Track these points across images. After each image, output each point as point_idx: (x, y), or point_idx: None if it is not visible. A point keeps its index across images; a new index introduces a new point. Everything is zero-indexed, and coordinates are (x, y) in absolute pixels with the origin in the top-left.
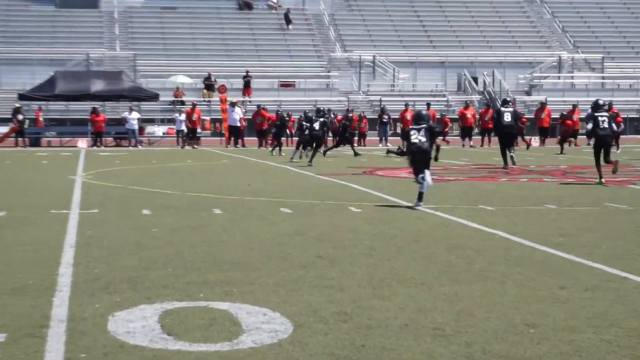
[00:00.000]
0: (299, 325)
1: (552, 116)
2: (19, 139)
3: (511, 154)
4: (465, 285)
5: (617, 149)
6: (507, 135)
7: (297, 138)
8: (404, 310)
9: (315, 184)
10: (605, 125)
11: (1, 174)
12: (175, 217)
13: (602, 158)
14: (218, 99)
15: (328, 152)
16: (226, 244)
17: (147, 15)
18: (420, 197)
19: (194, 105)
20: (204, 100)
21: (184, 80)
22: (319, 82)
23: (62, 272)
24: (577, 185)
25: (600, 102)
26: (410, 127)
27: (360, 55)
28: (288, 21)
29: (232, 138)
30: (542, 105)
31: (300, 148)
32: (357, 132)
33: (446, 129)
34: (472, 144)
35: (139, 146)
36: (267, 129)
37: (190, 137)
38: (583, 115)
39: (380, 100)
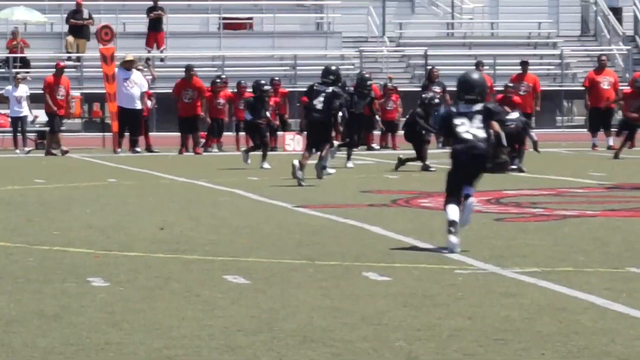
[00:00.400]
0: None
1: None
2: None
3: None
4: None
5: None
6: None
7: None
8: None
9: (296, 224)
10: None
11: None
12: (11, 298)
13: None
14: (98, 54)
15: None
16: None
17: None
18: (450, 228)
19: (59, 69)
20: (68, 58)
21: (28, 18)
22: (300, 20)
23: None
24: None
25: None
26: (453, 108)
27: None
28: None
29: (128, 133)
30: None
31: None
32: (378, 118)
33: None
34: (611, 143)
35: None
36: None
37: (51, 131)
38: None
39: (425, 55)
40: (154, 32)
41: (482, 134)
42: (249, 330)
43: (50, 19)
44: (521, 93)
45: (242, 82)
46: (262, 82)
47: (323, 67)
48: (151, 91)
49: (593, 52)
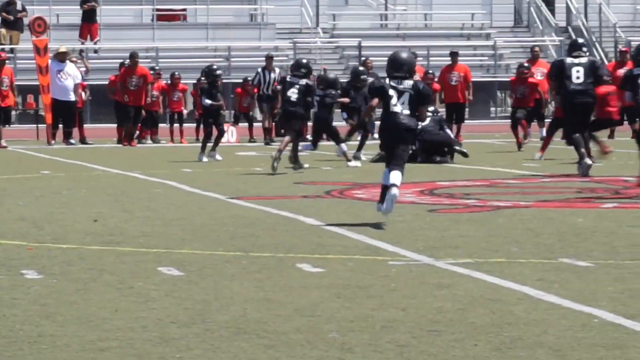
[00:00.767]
0: None
1: None
2: None
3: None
4: None
5: None
6: (577, 108)
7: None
8: None
9: (229, 216)
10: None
11: None
12: None
13: None
14: (32, 46)
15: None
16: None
17: None
18: (382, 197)
19: (1, 60)
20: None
21: None
22: (234, 12)
23: None
24: None
25: None
26: (385, 81)
27: None
28: None
29: (62, 125)
30: None
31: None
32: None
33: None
34: (544, 134)
35: None
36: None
37: None
38: None
39: (359, 47)
40: (88, 24)
41: (406, 110)
42: (183, 322)
43: None
44: (453, 83)
45: (176, 73)
46: (214, 67)
47: (294, 61)
48: (85, 83)
49: (526, 43)
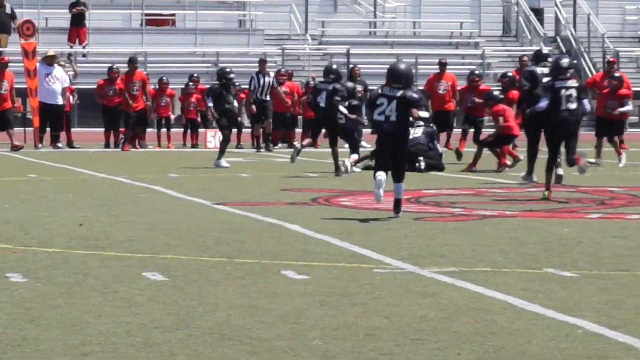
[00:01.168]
0: None
1: None
2: None
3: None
4: None
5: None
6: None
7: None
8: None
9: (215, 222)
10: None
11: None
12: None
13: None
14: (20, 49)
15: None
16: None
17: None
18: (396, 206)
19: (3, 63)
20: None
21: None
22: (223, 17)
23: None
24: None
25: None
26: (380, 91)
27: None
28: None
29: (49, 129)
30: None
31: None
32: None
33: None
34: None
35: None
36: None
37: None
38: None
39: (348, 54)
40: (77, 28)
41: (393, 117)
42: (166, 327)
43: None
44: (440, 92)
45: (164, 78)
46: (227, 69)
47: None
48: (73, 87)
49: (514, 53)
